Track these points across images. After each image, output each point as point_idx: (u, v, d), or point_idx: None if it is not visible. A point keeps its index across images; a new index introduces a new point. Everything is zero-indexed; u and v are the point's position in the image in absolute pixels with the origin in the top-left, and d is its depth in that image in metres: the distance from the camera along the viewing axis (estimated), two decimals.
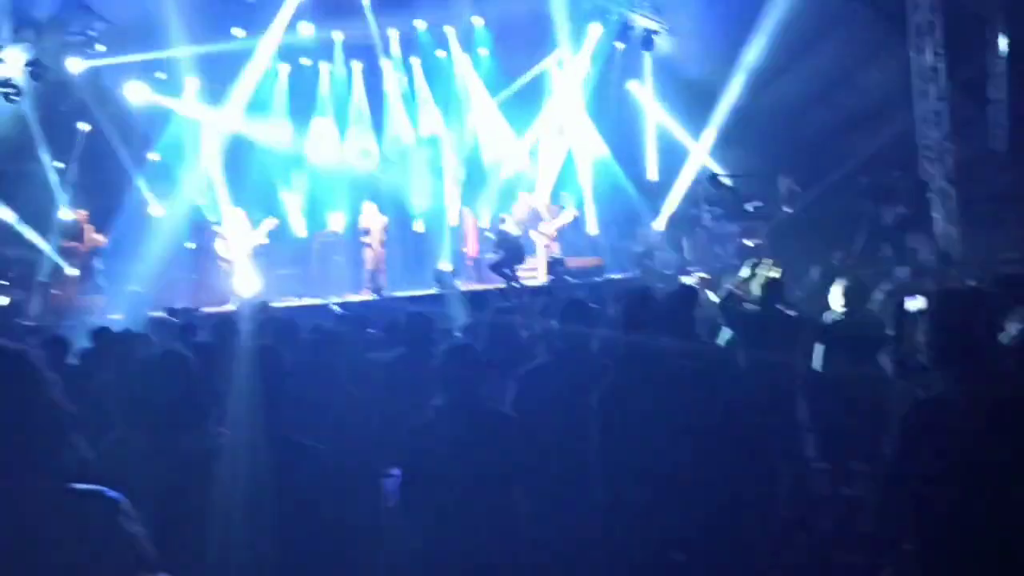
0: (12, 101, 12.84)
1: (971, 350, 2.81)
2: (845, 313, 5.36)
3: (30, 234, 13.38)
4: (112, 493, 2.02)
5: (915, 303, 4.53)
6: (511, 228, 14.66)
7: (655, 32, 16.73)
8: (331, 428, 3.90)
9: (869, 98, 13.64)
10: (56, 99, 14.31)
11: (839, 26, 13.52)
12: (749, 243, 13.84)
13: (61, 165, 14.11)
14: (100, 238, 13.66)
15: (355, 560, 3.69)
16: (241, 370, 3.19)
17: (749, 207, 14.42)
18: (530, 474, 3.70)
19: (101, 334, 6.70)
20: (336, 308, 10.45)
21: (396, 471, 4.82)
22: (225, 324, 6.41)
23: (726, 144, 15.61)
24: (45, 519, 1.90)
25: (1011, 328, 3.55)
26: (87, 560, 1.92)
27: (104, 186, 15.02)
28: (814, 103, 13.99)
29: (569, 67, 17.64)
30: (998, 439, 2.59)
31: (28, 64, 12.94)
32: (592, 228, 17.36)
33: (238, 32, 16.28)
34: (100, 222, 14.04)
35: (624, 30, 17.03)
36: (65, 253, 13.50)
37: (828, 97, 13.83)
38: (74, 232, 13.54)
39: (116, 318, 12.32)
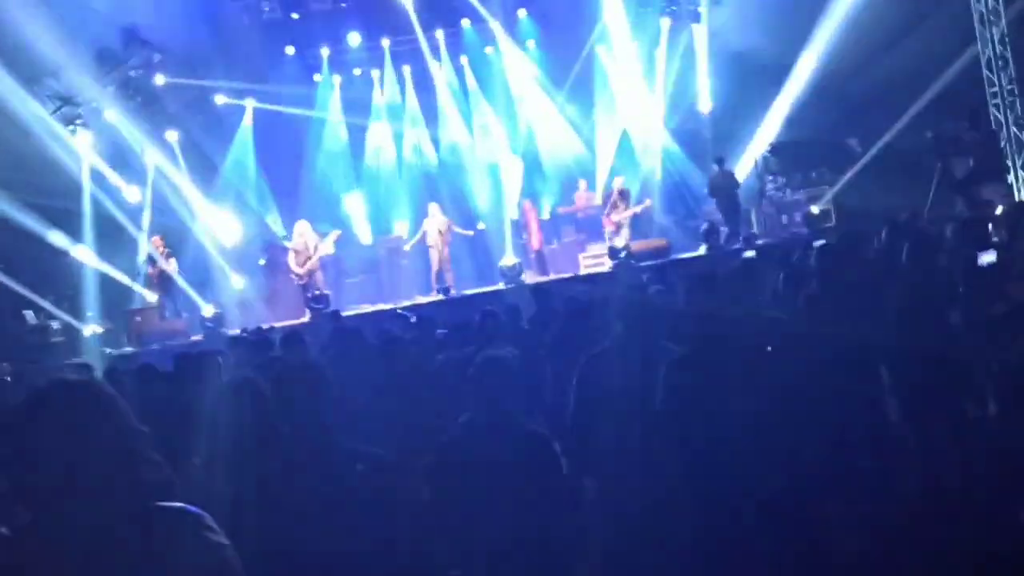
0: (84, 134, 13.38)
1: None
2: (913, 269, 5.23)
3: (106, 265, 13.90)
4: (194, 509, 2.07)
5: (987, 257, 4.39)
6: None
7: (700, 4, 16.44)
8: (402, 435, 3.96)
9: (930, 49, 13.19)
10: (125, 131, 14.82)
11: None
12: (815, 210, 13.55)
13: (138, 197, 14.59)
14: (174, 263, 14.12)
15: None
16: (307, 386, 3.26)
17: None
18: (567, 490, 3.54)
19: (181, 358, 6.91)
20: (403, 312, 10.57)
21: None
22: (295, 338, 6.55)
23: (787, 110, 15.26)
24: (131, 538, 1.96)
25: None
26: None
27: (176, 211, 15.52)
28: (872, 59, 13.59)
29: (617, 48, 17.51)
30: None
31: (93, 100, 13.46)
32: (656, 209, 17.20)
33: (289, 50, 16.64)
34: (175, 246, 14.52)
35: (669, 5, 16.78)
36: (144, 279, 13.99)
37: (887, 52, 13.42)
38: (151, 258, 14.03)
39: (196, 339, 12.76)
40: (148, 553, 1.97)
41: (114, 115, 14.37)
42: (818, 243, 7.32)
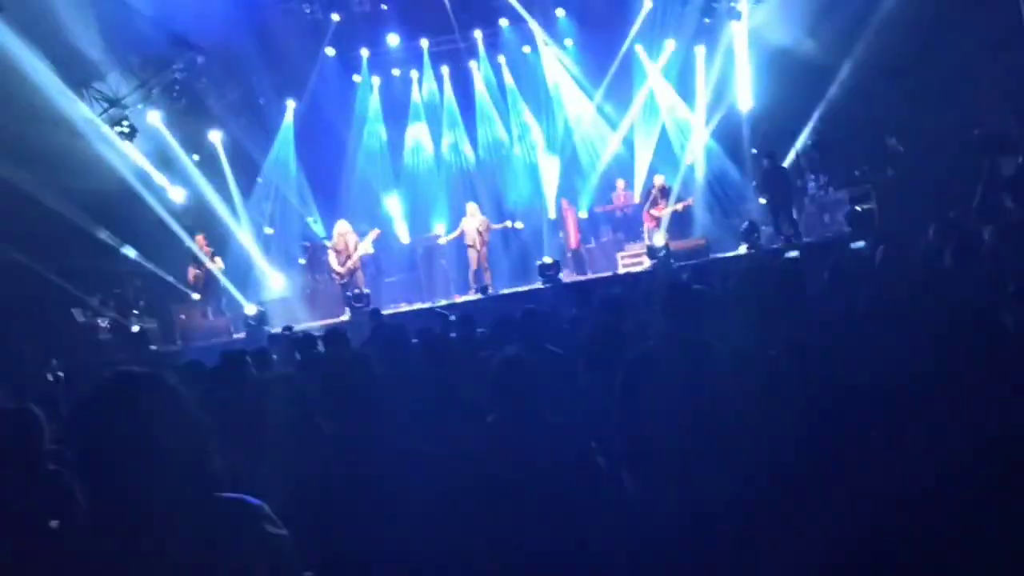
0: (127, 137, 13.60)
1: None
2: (961, 269, 5.14)
3: (153, 263, 14.13)
4: (254, 500, 2.14)
5: None
6: None
7: (739, 2, 16.28)
8: (452, 433, 3.98)
9: (978, 45, 12.95)
10: (170, 132, 15.05)
11: None
12: (859, 209, 13.36)
13: (182, 197, 14.80)
14: (219, 261, 14.30)
15: None
16: (348, 381, 3.28)
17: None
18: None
19: (226, 356, 7.02)
20: (442, 311, 10.63)
21: None
22: (336, 336, 6.61)
23: (828, 108, 15.06)
24: (193, 526, 2.02)
25: None
26: (237, 566, 2.04)
27: (219, 211, 15.73)
28: (920, 56, 13.37)
29: (656, 46, 17.46)
30: None
31: (138, 103, 13.69)
32: (696, 208, 17.10)
33: (329, 51, 16.80)
34: (217, 245, 14.72)
35: (710, 3, 16.65)
36: (188, 278, 14.20)
37: (935, 47, 13.20)
38: (195, 257, 14.23)
39: (239, 337, 12.93)
40: (208, 540, 2.02)
41: (158, 117, 14.60)
42: (855, 244, 7.24)
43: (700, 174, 17.18)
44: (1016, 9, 12.81)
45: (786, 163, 15.50)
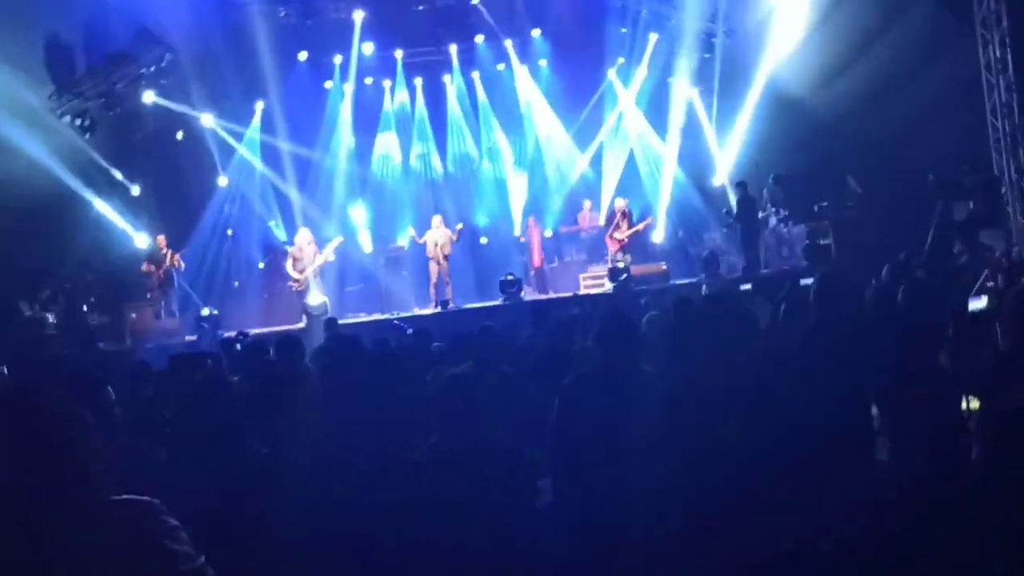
0: (86, 131, 13.42)
1: None
2: (909, 311, 5.28)
3: (108, 260, 13.92)
4: (143, 499, 2.22)
5: (978, 303, 4.45)
6: None
7: (713, 36, 16.54)
8: (386, 444, 3.98)
9: (937, 93, 13.28)
10: (129, 129, 14.88)
11: (903, 20, 13.22)
12: (817, 244, 13.59)
13: (137, 191, 14.63)
14: (178, 262, 14.09)
15: None
16: (297, 388, 3.29)
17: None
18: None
19: (175, 358, 6.94)
20: (400, 323, 10.60)
21: None
22: (290, 343, 6.57)
23: (792, 146, 15.32)
24: (82, 531, 2.08)
25: None
26: (131, 563, 2.10)
27: (178, 211, 15.57)
28: (880, 99, 13.68)
29: (629, 75, 17.66)
30: None
31: (101, 96, 13.52)
32: (658, 234, 17.27)
33: (302, 55, 16.74)
34: (176, 246, 14.53)
35: (682, 35, 16.89)
36: (143, 278, 13.98)
37: (894, 93, 13.51)
38: (153, 257, 14.02)
39: (190, 339, 12.78)
40: (102, 543, 2.09)
41: (121, 112, 14.43)
42: (804, 280, 7.40)
43: (665, 201, 17.36)
44: (975, 59, 13.18)
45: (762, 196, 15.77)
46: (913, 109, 12.82)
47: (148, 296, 13.89)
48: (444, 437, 3.48)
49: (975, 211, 11.87)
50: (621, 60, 17.80)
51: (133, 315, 13.57)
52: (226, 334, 11.48)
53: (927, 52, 12.96)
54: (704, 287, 11.73)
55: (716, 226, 16.62)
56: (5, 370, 9.72)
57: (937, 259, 9.95)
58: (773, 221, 15.37)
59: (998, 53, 12.93)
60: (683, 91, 17.14)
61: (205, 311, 13.42)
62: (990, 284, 6.68)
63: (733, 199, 15.27)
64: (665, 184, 17.42)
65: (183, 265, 14.13)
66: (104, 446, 2.24)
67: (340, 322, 11.56)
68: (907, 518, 5.07)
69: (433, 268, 14.75)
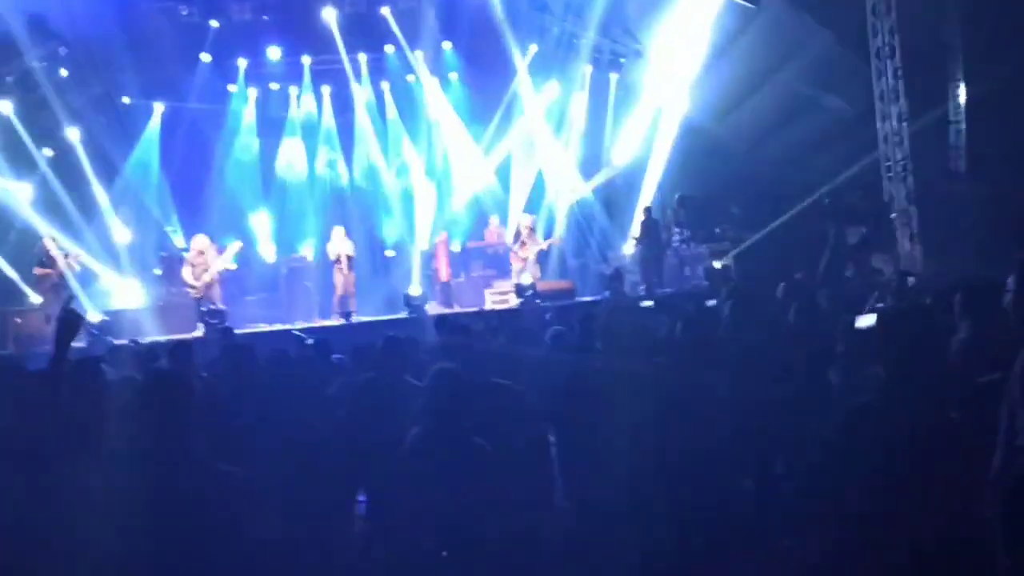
0: None
1: (919, 363, 2.95)
2: (799, 330, 5.43)
3: None
4: None
5: (865, 320, 4.60)
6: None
7: (622, 55, 16.85)
8: (281, 453, 3.85)
9: (832, 121, 13.84)
10: (23, 122, 14.19)
11: (801, 50, 13.74)
12: (716, 265, 13.93)
13: (29, 193, 13.94)
14: (73, 263, 13.40)
15: None
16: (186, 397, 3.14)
17: (735, 209, 14.60)
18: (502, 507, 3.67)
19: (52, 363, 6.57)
20: (300, 333, 10.34)
21: (362, 497, 4.79)
22: (181, 350, 6.33)
23: (692, 168, 15.70)
24: None
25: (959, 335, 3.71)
26: None
27: (71, 211, 14.86)
28: (778, 126, 14.17)
29: (538, 91, 17.80)
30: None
31: None
32: (565, 251, 17.42)
33: (205, 57, 16.29)
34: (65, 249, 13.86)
35: (593, 52, 17.15)
36: (34, 280, 13.26)
37: (792, 120, 14.02)
38: (44, 258, 13.26)
39: (79, 346, 12.17)
40: None
41: (10, 107, 13.75)
42: (709, 302, 7.58)
43: (568, 218, 17.53)
44: (868, 89, 13.77)
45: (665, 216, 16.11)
46: (809, 135, 13.33)
47: (37, 300, 13.16)
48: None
49: (867, 235, 12.38)
50: (529, 78, 17.92)
51: (18, 320, 12.87)
52: (116, 341, 10.99)
53: (824, 82, 13.50)
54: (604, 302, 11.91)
55: (619, 245, 16.89)
56: None
57: (830, 280, 10.31)
58: (676, 241, 15.70)
59: (891, 83, 13.54)
60: (584, 109, 17.38)
61: (95, 317, 12.81)
62: (879, 305, 6.94)
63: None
64: (568, 200, 17.59)
65: (79, 267, 13.47)
66: None
67: (237, 332, 11.21)
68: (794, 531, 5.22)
69: (338, 279, 14.50)
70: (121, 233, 15.60)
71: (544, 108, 17.91)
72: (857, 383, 4.29)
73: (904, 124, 13.46)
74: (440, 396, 3.71)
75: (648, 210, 15.38)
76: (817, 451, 3.80)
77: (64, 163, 14.82)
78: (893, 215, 13.49)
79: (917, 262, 12.62)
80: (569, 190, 17.68)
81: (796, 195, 13.60)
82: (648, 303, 9.70)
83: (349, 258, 14.54)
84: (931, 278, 9.41)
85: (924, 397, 2.90)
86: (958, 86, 13.44)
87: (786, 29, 13.75)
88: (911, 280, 7.88)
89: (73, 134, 14.97)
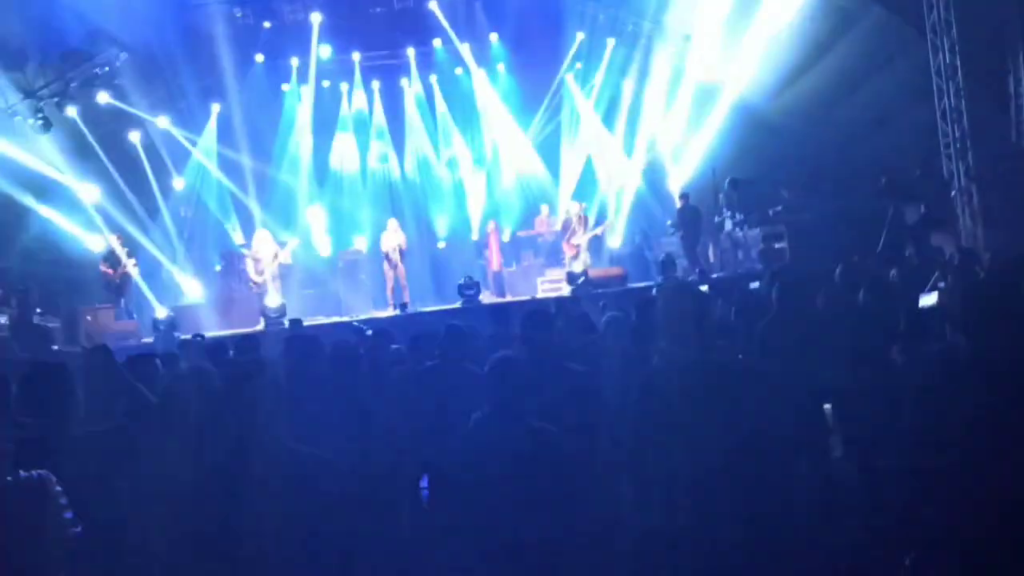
0: (43, 130, 13.18)
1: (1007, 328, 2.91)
2: (861, 310, 5.39)
3: (58, 262, 13.67)
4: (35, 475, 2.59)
5: (929, 299, 4.57)
6: None
7: (669, 39, 16.72)
8: (348, 439, 3.98)
9: (889, 98, 13.57)
10: (87, 128, 14.64)
11: (856, 27, 13.51)
12: (771, 247, 13.79)
13: (96, 196, 14.39)
14: (133, 264, 13.88)
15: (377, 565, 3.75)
16: (257, 386, 3.27)
17: (784, 192, 14.44)
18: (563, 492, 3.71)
19: (132, 359, 6.82)
20: (359, 324, 10.53)
21: (424, 483, 4.91)
22: (248, 344, 6.51)
23: (743, 149, 15.54)
24: None
25: None
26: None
27: (134, 212, 15.33)
28: (833, 104, 13.94)
29: (586, 79, 17.79)
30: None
31: (55, 96, 13.29)
32: (615, 238, 17.41)
33: (258, 57, 16.60)
34: (131, 248, 14.32)
35: (636, 39, 17.07)
36: (99, 279, 13.74)
37: (847, 98, 13.78)
38: (109, 257, 13.80)
39: (147, 341, 12.58)
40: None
41: (76, 111, 14.19)
42: (752, 284, 7.54)
43: (624, 204, 17.51)
44: (926, 66, 13.50)
45: (704, 199, 15.98)
46: (865, 114, 13.10)
47: (105, 297, 13.65)
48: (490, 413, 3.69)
49: (926, 214, 12.15)
50: (579, 65, 17.91)
51: (88, 317, 13.32)
52: (183, 336, 11.31)
53: (879, 58, 13.25)
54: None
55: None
56: None
57: (889, 260, 10.15)
58: (729, 225, 15.57)
59: (948, 59, 13.26)
60: (631, 94, 17.32)
61: (161, 313, 13.20)
62: (941, 284, 6.84)
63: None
64: (622, 186, 17.56)
65: (136, 270, 13.94)
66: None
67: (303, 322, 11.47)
68: (864, 516, 5.19)
69: (389, 271, 14.72)
70: (182, 231, 16.04)
71: (592, 95, 17.90)
72: (921, 361, 4.26)
73: (962, 100, 13.17)
74: (503, 383, 3.75)
75: (686, 196, 15.28)
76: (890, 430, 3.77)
77: (128, 164, 15.26)
78: (953, 192, 13.23)
79: (978, 239, 12.36)
80: (618, 175, 17.66)
81: (852, 174, 13.39)
82: (704, 287, 9.69)
83: (402, 250, 14.74)
84: (995, 254, 9.22)
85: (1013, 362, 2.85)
86: (1017, 59, 13.09)
87: (840, 4, 13.54)
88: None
89: (135, 136, 15.41)
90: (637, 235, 17.65)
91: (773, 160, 14.97)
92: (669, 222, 15.95)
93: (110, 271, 13.74)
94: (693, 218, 15.10)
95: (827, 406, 5.40)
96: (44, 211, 13.69)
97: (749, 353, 5.48)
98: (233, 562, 2.83)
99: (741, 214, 15.36)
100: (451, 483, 3.73)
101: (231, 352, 7.15)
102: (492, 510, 3.54)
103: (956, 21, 13.01)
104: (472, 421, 3.83)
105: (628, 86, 17.64)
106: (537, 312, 4.90)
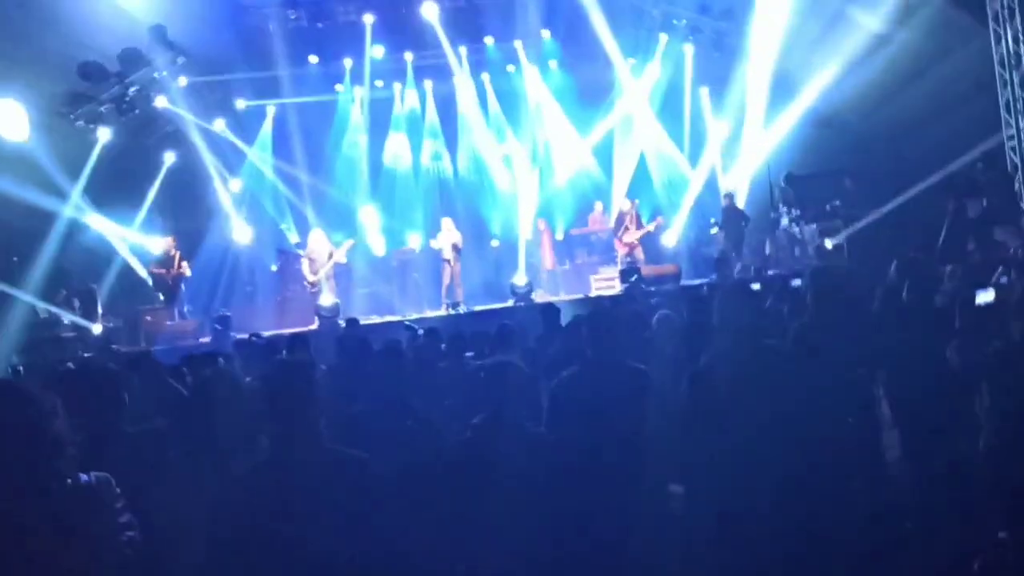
0: (100, 135, 13.54)
1: None
2: (913, 306, 5.25)
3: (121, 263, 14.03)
4: (95, 476, 2.63)
5: (985, 296, 4.43)
6: None
7: (724, 34, 16.49)
8: (392, 437, 4.01)
9: (950, 88, 13.20)
10: (144, 132, 14.99)
11: (915, 16, 13.16)
12: (828, 244, 13.54)
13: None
14: (186, 265, 14.18)
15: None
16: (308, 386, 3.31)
17: (847, 181, 14.20)
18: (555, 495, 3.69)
19: (190, 359, 6.98)
20: (411, 324, 10.62)
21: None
22: (300, 343, 6.61)
23: (801, 144, 15.26)
24: (44, 509, 2.49)
25: None
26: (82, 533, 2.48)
27: (190, 214, 15.67)
28: (893, 97, 13.61)
29: (639, 75, 17.64)
30: None
31: (114, 100, 13.62)
32: (670, 235, 17.25)
33: (312, 59, 16.81)
34: (187, 249, 14.63)
35: (692, 34, 16.86)
36: (155, 280, 14.06)
37: (908, 90, 13.44)
38: (163, 259, 14.10)
39: (204, 341, 12.85)
40: (59, 517, 2.49)
41: (136, 116, 14.53)
42: (794, 282, 7.41)
43: (685, 203, 17.32)
44: (989, 56, 13.10)
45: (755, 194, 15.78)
46: (926, 106, 12.75)
47: (160, 298, 13.97)
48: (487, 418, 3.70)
49: (988, 208, 11.79)
50: (632, 61, 17.77)
51: (148, 317, 13.65)
52: (238, 336, 11.53)
53: (939, 48, 12.90)
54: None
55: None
56: (21, 369, 9.81)
57: (950, 256, 9.88)
58: (785, 221, 15.32)
59: (1011, 48, 12.86)
60: (686, 90, 17.16)
61: (218, 313, 13.48)
62: (1003, 280, 6.64)
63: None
64: (692, 187, 17.35)
65: (189, 272, 14.22)
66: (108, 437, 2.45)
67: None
68: (920, 514, 5.06)
69: (445, 270, 14.79)
70: (242, 232, 16.34)
71: (645, 91, 17.75)
72: (977, 361, 4.14)
73: None
74: (559, 383, 3.74)
75: (730, 196, 15.13)
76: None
77: (186, 166, 15.59)
78: (1017, 186, 12.83)
79: None
80: (672, 173, 17.51)
81: (912, 168, 13.06)
82: (756, 286, 9.56)
83: (457, 248, 14.80)
84: None
85: None
86: None
87: None
88: None
89: (195, 137, 15.76)
90: (691, 232, 17.46)
91: (830, 154, 14.69)
92: (712, 220, 15.82)
93: (163, 271, 14.02)
94: (735, 217, 15.11)
95: (884, 407, 5.28)
96: (101, 218, 14.06)
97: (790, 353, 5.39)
98: (277, 564, 2.86)
99: (797, 210, 15.10)
100: (500, 485, 3.72)
101: (284, 351, 7.28)
102: (545, 512, 3.54)
103: (1020, 9, 12.61)
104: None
105: (684, 80, 17.46)
106: (599, 314, 4.86)
